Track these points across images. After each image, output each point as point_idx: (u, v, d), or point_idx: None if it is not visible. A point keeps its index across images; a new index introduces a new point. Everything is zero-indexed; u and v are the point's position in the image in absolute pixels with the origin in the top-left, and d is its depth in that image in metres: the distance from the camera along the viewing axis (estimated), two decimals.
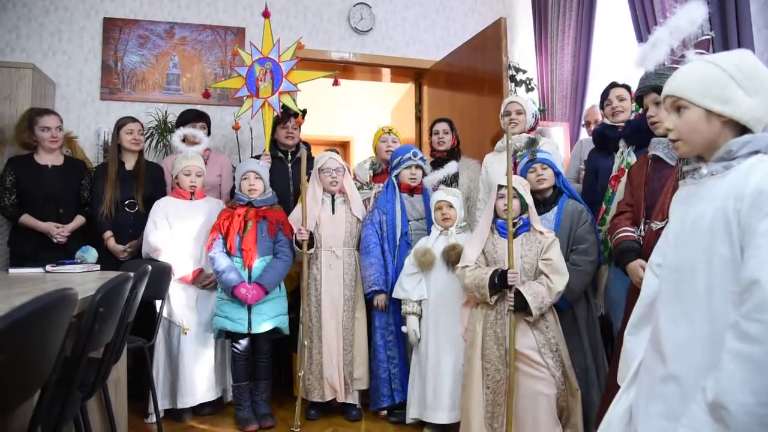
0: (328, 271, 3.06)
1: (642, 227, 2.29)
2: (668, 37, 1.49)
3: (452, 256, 2.73)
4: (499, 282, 2.40)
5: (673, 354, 1.25)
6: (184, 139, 3.32)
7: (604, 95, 2.98)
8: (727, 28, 2.95)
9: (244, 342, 2.94)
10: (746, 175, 1.19)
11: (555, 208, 2.71)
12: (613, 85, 2.96)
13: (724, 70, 1.26)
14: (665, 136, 1.57)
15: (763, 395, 1.04)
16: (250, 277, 2.92)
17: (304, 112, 3.62)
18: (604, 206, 2.74)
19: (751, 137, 1.24)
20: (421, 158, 3.17)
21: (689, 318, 1.24)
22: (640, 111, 2.71)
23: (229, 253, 2.93)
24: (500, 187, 2.49)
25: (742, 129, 1.26)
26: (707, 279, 1.21)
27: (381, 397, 2.98)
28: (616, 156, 2.77)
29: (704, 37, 2.67)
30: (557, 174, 2.74)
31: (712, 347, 1.17)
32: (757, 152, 1.23)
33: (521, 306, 2.35)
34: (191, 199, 3.13)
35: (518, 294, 2.35)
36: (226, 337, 2.96)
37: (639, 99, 2.47)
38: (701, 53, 2.46)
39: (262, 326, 2.90)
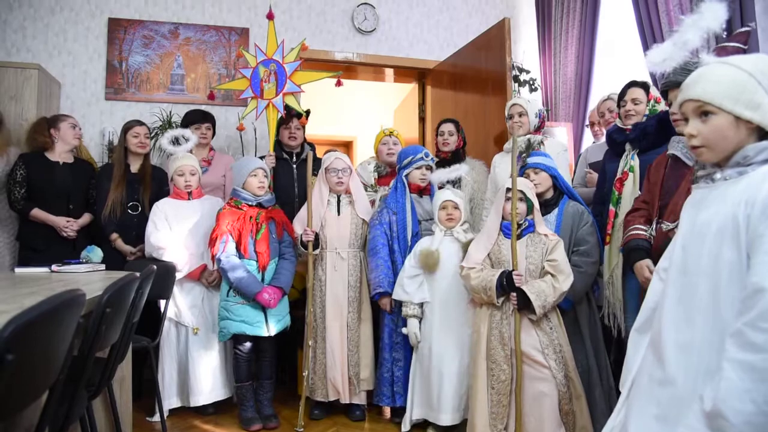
0: (332, 273, 3.05)
1: (654, 226, 2.26)
2: (695, 37, 1.45)
3: None
4: (507, 284, 2.40)
5: (673, 357, 1.24)
6: (175, 141, 3.27)
7: (622, 94, 2.80)
8: (731, 30, 2.94)
9: (248, 344, 2.93)
10: (760, 181, 1.17)
11: (555, 210, 2.70)
12: (632, 84, 2.78)
13: (751, 75, 1.21)
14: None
15: (763, 404, 1.03)
16: (262, 280, 2.91)
17: (308, 112, 3.63)
18: (612, 208, 2.71)
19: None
20: (432, 159, 3.16)
21: (691, 321, 1.22)
22: (660, 109, 2.65)
23: (241, 256, 2.88)
24: (508, 190, 2.48)
25: (762, 135, 1.23)
26: (712, 283, 1.20)
27: (381, 395, 2.98)
28: (622, 159, 2.76)
29: (744, 29, 2.56)
30: (554, 176, 2.72)
31: (711, 352, 1.16)
32: None
33: (524, 304, 2.36)
34: (189, 198, 3.13)
35: (522, 293, 2.36)
36: (234, 339, 2.93)
37: (664, 93, 2.37)
38: (738, 46, 2.40)
39: (278, 327, 2.91)
